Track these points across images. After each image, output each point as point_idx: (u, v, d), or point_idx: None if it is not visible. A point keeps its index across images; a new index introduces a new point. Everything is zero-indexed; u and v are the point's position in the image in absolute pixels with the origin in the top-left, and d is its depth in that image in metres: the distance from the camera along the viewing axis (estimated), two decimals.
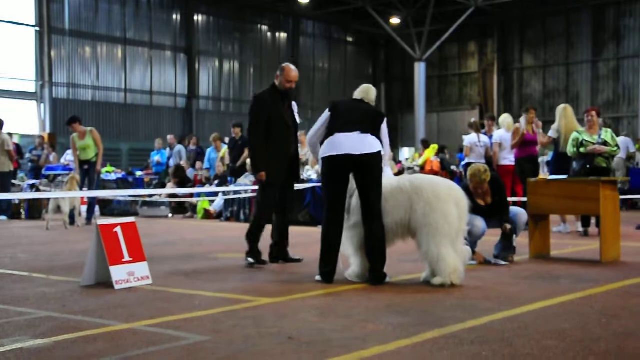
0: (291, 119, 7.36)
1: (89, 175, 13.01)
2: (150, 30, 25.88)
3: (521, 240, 8.73)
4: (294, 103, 7.45)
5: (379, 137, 6.16)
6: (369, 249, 5.99)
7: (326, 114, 6.32)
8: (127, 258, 5.94)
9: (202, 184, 16.35)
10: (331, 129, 6.15)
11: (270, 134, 7.17)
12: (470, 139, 12.69)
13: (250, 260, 7.18)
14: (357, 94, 6.43)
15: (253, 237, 7.29)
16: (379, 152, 6.05)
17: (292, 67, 7.26)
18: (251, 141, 7.34)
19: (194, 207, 15.69)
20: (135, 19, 25.50)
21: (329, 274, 6.05)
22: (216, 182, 15.72)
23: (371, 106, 6.38)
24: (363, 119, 6.13)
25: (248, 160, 15.00)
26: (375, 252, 5.97)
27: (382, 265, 6.00)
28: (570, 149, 10.02)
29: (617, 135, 14.73)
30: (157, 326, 4.42)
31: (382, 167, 6.12)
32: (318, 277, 6.09)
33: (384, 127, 6.26)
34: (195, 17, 27.20)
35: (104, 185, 16.06)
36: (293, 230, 11.90)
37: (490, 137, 12.26)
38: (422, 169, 16.88)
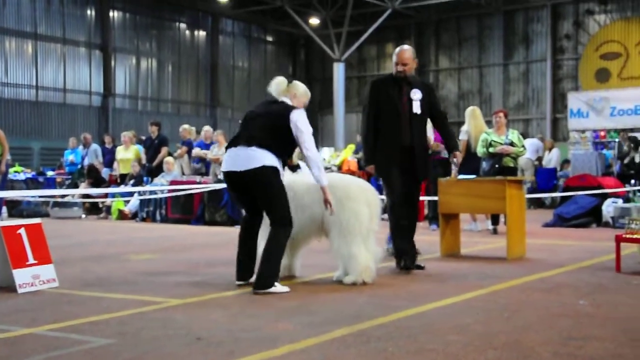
0: (408, 106, 6.58)
1: None
2: (62, 26, 25.04)
3: (432, 239, 8.94)
4: (415, 90, 6.54)
5: (285, 141, 5.69)
6: (262, 252, 5.66)
7: None
8: (31, 261, 5.74)
9: (117, 184, 15.98)
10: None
11: (382, 123, 6.57)
12: None
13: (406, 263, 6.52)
14: (270, 91, 6.01)
15: (397, 240, 6.63)
16: (263, 166, 5.57)
17: (406, 47, 6.44)
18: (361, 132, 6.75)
19: (108, 208, 15.32)
20: (47, 13, 24.61)
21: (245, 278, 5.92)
22: (131, 181, 15.41)
23: (277, 106, 5.81)
24: (257, 128, 5.69)
25: (166, 159, 14.80)
26: (264, 258, 5.63)
27: (270, 272, 5.56)
28: (479, 149, 10.32)
29: (526, 137, 15.28)
30: (60, 330, 4.29)
31: (274, 178, 5.63)
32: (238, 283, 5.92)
33: (298, 123, 5.65)
34: (111, 13, 26.52)
35: (12, 185, 15.46)
36: (210, 230, 11.87)
37: None
38: (340, 168, 17.03)
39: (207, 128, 15.92)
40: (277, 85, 5.92)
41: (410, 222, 6.79)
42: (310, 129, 5.75)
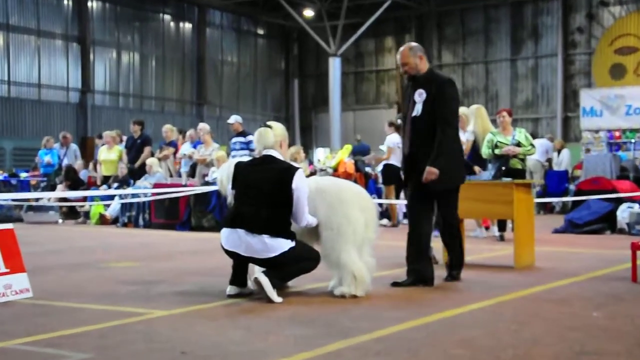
0: (411, 110, 6.38)
1: None
2: (37, 17, 25.03)
3: (434, 245, 8.91)
4: (420, 91, 6.34)
5: (285, 212, 5.73)
6: (290, 253, 5.85)
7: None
8: (3, 269, 5.72)
9: (97, 186, 15.93)
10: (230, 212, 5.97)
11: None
12: (391, 139, 12.98)
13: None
14: (257, 145, 6.06)
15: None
16: (282, 253, 5.65)
17: (402, 47, 6.43)
18: None
19: (87, 212, 15.28)
20: (20, 3, 24.56)
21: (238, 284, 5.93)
22: (115, 184, 15.35)
23: (273, 171, 5.78)
24: (257, 202, 5.69)
25: (148, 161, 14.75)
26: (287, 260, 5.84)
27: (279, 276, 5.81)
28: (485, 151, 10.30)
29: (535, 137, 15.28)
30: (33, 344, 4.27)
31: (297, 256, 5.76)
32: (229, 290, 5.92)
33: (298, 192, 5.68)
34: (89, 4, 26.50)
35: None
36: (197, 236, 11.85)
37: None
38: (336, 170, 17.01)
39: (201, 126, 15.30)
40: (265, 138, 5.93)
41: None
42: (306, 193, 5.76)
